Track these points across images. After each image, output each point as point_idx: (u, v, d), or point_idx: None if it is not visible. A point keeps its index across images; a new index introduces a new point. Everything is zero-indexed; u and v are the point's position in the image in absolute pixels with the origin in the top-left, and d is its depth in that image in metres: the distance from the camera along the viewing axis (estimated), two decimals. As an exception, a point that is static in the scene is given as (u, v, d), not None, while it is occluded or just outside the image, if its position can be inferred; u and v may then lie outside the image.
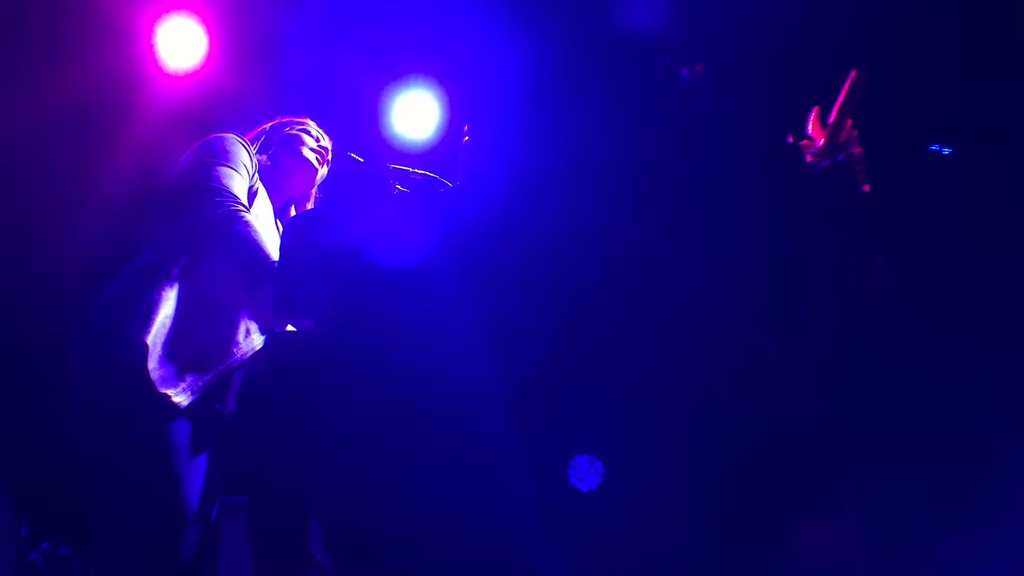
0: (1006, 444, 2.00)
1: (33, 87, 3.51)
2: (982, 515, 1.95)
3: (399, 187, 2.22)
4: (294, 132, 2.58)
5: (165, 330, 2.05)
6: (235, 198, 2.19)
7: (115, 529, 2.05)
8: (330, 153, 2.63)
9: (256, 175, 2.37)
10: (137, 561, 2.00)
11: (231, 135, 2.38)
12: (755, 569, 1.75)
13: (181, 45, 3.58)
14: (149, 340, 2.00)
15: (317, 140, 2.60)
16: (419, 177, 2.22)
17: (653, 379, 1.78)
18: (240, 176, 2.27)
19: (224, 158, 2.27)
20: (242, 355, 2.17)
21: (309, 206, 2.64)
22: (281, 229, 2.44)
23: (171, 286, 2.11)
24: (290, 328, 2.15)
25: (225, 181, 2.21)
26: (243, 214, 2.17)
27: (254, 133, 2.55)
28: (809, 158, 1.73)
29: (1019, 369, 2.08)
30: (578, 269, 1.78)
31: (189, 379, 2.05)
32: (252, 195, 2.34)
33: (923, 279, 2.10)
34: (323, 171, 2.62)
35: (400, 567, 1.73)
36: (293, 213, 2.62)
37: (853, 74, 1.71)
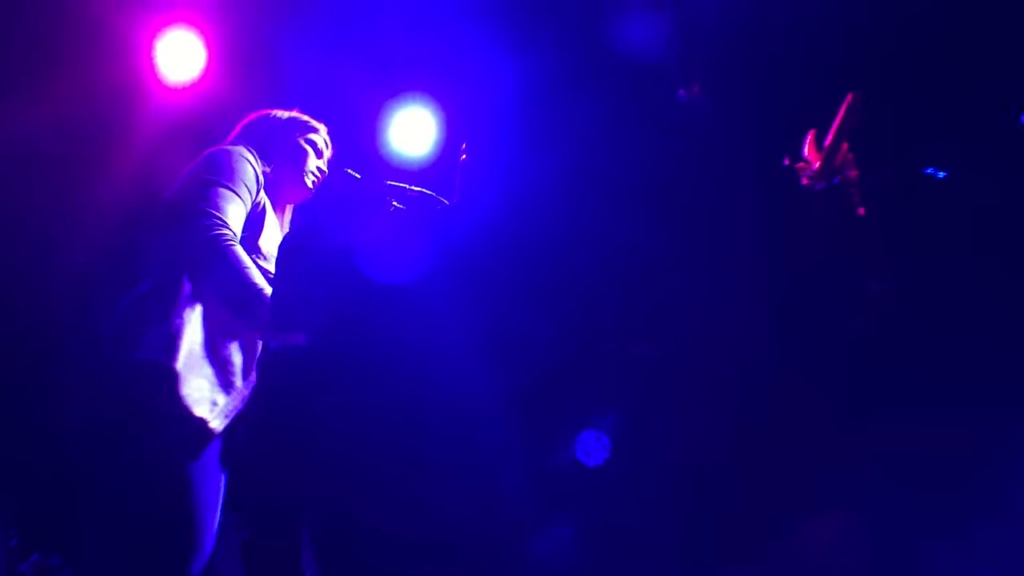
0: (1005, 449, 2.02)
1: (33, 98, 3.51)
2: (979, 517, 1.96)
3: (396, 204, 2.22)
4: (304, 145, 2.51)
5: (194, 355, 2.03)
6: (223, 223, 2.13)
7: (124, 554, 2.00)
8: (325, 170, 2.61)
9: (261, 190, 2.32)
10: None
11: (240, 148, 2.32)
12: (754, 568, 1.75)
13: (180, 58, 3.59)
14: (179, 366, 1.98)
15: (320, 156, 2.56)
16: (416, 194, 2.22)
17: (651, 389, 1.78)
18: (239, 198, 2.21)
19: (226, 177, 2.21)
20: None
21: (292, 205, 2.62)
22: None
23: (191, 309, 2.09)
24: (286, 342, 2.15)
25: (220, 202, 2.15)
26: (228, 241, 2.11)
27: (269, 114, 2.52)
28: (805, 180, 1.74)
29: (1017, 380, 2.10)
30: (575, 287, 1.78)
31: (222, 402, 2.04)
32: (260, 213, 2.30)
33: (919, 299, 2.11)
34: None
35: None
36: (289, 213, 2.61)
37: (849, 97, 1.72)
